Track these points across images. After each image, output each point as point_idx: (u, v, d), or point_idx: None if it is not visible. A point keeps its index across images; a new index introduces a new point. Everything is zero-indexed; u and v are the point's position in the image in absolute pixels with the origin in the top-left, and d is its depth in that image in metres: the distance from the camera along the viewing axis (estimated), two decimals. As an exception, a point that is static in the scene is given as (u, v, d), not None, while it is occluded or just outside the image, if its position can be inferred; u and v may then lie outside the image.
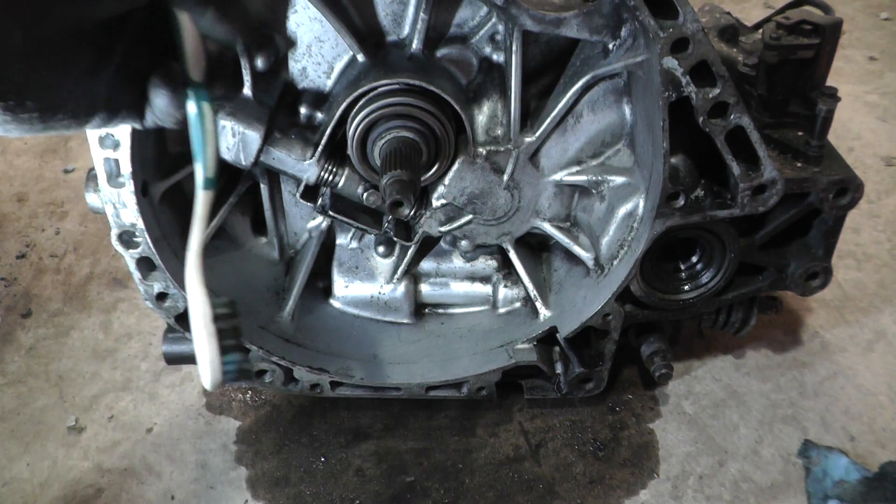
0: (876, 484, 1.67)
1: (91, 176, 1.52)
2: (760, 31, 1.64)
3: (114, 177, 1.46)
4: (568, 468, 1.80)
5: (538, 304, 1.79)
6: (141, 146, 1.46)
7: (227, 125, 1.49)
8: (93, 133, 1.42)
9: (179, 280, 1.58)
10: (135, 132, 1.42)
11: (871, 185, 2.57)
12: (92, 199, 1.53)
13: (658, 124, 1.40)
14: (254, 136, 1.51)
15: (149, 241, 1.52)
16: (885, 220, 2.45)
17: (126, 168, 1.45)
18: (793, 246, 1.69)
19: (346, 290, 1.87)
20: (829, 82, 1.56)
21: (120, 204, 1.49)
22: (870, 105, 2.97)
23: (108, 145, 1.42)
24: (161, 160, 1.59)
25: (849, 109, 2.91)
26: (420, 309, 1.91)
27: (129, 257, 1.55)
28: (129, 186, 1.46)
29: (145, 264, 1.57)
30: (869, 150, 2.73)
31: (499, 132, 1.61)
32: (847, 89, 3.00)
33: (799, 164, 1.55)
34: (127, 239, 1.53)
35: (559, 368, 1.78)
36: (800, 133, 1.58)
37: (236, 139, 1.51)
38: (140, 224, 1.50)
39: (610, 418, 1.90)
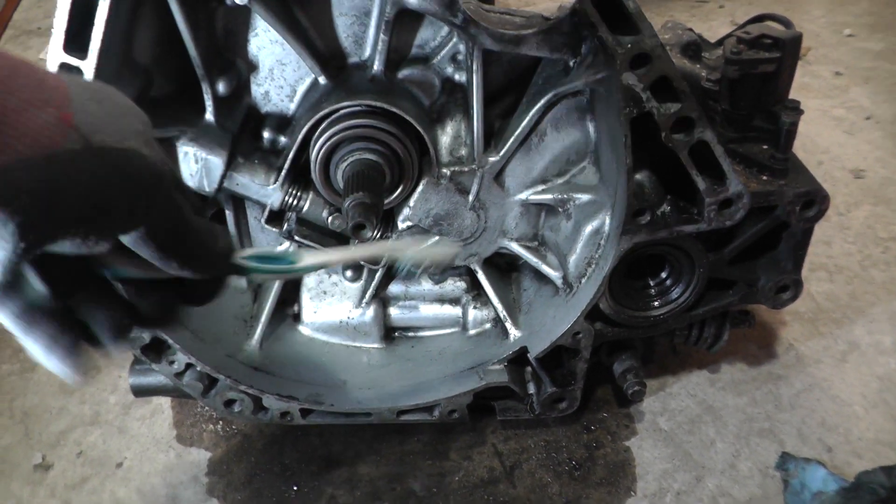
0: (853, 494, 1.65)
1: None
2: (723, 46, 1.65)
3: None
4: (543, 489, 1.78)
5: (508, 325, 1.77)
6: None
7: (190, 151, 1.48)
8: None
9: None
10: None
11: (841, 198, 2.58)
12: None
13: (620, 140, 1.39)
14: (217, 163, 1.50)
15: (110, 270, 1.49)
16: (855, 232, 2.46)
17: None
18: (762, 260, 1.69)
19: (314, 315, 1.84)
20: (797, 97, 1.56)
21: None
22: (837, 119, 2.99)
23: None
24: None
25: (817, 124, 2.94)
26: (390, 333, 1.88)
27: (90, 288, 1.51)
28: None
29: (107, 295, 1.54)
30: (837, 164, 2.75)
31: (463, 153, 1.60)
32: (814, 104, 3.04)
33: (765, 178, 1.55)
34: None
35: (531, 389, 1.77)
36: (765, 147, 1.58)
37: (199, 165, 1.50)
38: (101, 254, 1.46)
39: (585, 437, 1.88)
